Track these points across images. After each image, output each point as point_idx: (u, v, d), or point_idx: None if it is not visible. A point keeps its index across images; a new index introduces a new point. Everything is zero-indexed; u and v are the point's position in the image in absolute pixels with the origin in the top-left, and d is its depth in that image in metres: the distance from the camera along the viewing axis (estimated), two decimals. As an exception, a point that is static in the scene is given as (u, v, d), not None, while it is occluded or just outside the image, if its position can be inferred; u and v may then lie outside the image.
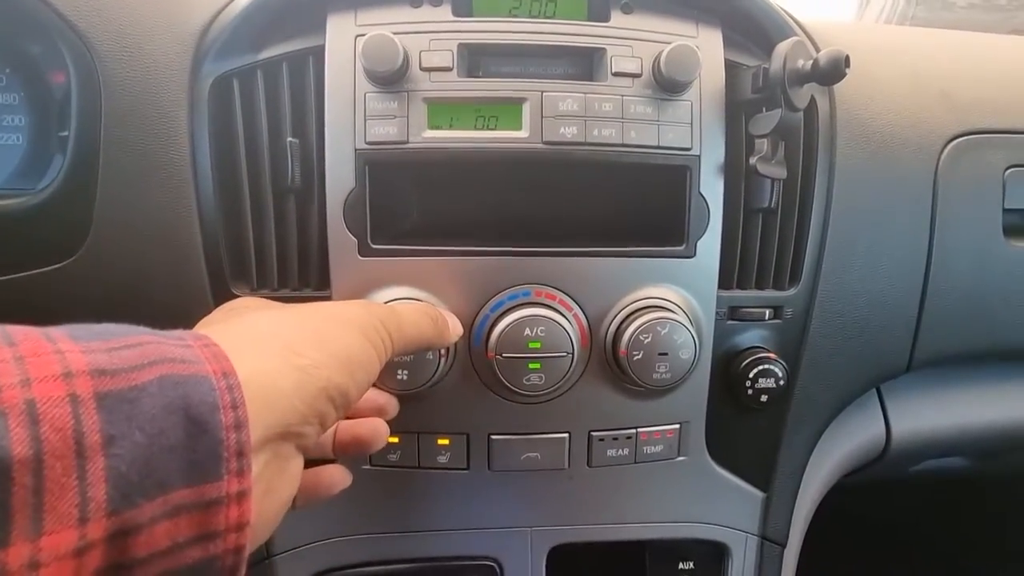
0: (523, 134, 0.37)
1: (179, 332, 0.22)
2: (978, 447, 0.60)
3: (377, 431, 0.34)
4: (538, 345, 0.37)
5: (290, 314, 0.27)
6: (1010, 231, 0.49)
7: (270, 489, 0.23)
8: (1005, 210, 0.49)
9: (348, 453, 0.34)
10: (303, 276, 0.40)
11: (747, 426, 0.45)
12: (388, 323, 0.30)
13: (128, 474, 0.18)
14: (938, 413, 0.55)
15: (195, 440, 0.19)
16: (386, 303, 0.37)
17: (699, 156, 0.39)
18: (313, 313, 0.28)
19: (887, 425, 0.54)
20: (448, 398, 0.40)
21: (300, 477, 0.26)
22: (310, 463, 0.32)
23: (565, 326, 0.37)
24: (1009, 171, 0.49)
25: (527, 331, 0.37)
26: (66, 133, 0.39)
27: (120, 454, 0.17)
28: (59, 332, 0.19)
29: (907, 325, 0.48)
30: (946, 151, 0.47)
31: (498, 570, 0.43)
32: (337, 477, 0.35)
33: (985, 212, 0.49)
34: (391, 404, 0.36)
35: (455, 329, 0.36)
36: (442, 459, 0.41)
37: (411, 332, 0.32)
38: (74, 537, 0.16)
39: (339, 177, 0.38)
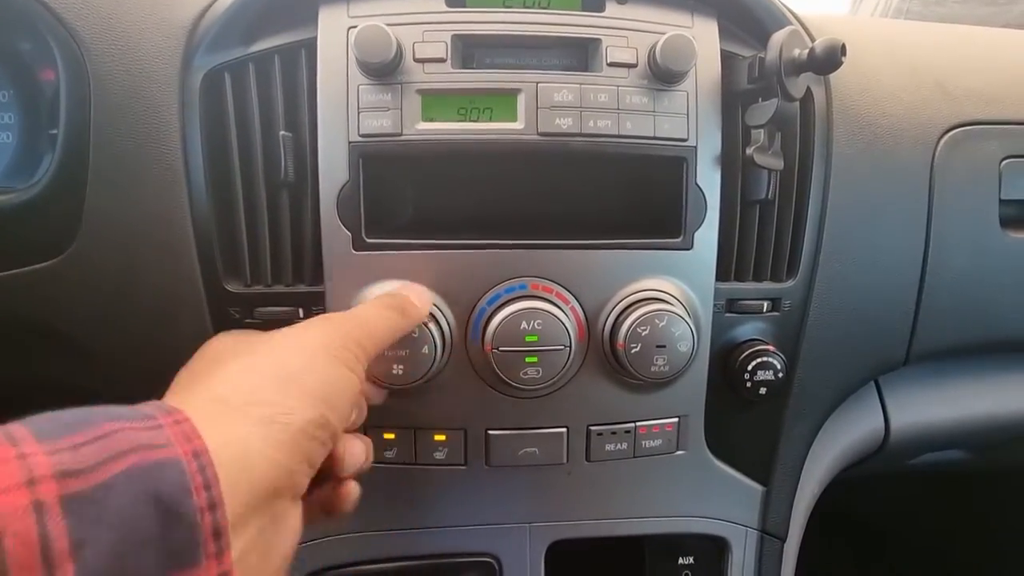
0: (518, 125, 0.37)
1: (150, 408, 0.22)
2: (976, 439, 0.60)
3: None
4: (535, 339, 0.36)
5: (256, 360, 0.27)
6: (1007, 222, 0.49)
7: (268, 549, 0.23)
8: (1001, 201, 0.49)
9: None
10: (297, 271, 0.40)
11: (746, 420, 0.45)
12: (355, 333, 0.30)
13: (101, 574, 0.17)
14: (936, 406, 0.55)
15: (169, 529, 0.19)
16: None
17: (695, 147, 0.39)
18: (278, 351, 0.27)
19: (886, 418, 0.54)
20: (445, 393, 0.39)
21: (300, 524, 0.26)
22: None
23: (562, 319, 0.37)
24: (1005, 162, 0.49)
25: (524, 324, 0.36)
26: (56, 131, 0.39)
27: (89, 556, 0.17)
28: (24, 431, 0.19)
29: (904, 317, 0.47)
30: (942, 142, 0.47)
31: (497, 567, 0.43)
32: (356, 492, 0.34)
33: (982, 203, 0.49)
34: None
35: (422, 302, 0.35)
36: (439, 455, 0.40)
37: (381, 332, 0.31)
38: None
39: (332, 170, 0.37)
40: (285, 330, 0.30)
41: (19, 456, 0.18)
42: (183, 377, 0.31)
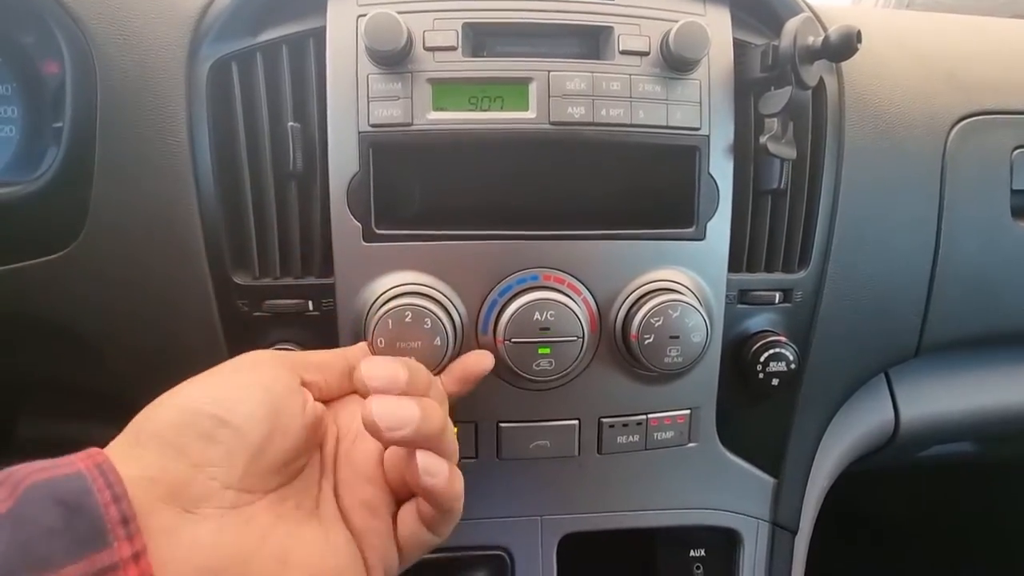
0: (530, 115, 0.37)
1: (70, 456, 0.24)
2: (987, 432, 0.60)
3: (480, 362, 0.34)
4: (547, 330, 0.36)
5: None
6: (1018, 212, 0.49)
7: (222, 527, 0.24)
8: (1013, 191, 0.48)
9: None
10: (306, 264, 0.39)
11: (757, 411, 0.45)
12: (281, 354, 0.31)
13: (8, 560, 0.19)
14: (947, 398, 0.55)
15: (74, 522, 0.21)
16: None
17: (708, 136, 0.39)
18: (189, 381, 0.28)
19: (896, 410, 0.53)
20: (456, 386, 0.39)
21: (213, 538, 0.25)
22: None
23: (575, 310, 0.36)
24: (1017, 151, 0.48)
25: (536, 315, 0.36)
26: (60, 124, 0.39)
27: None
28: None
29: (916, 308, 0.47)
30: (954, 132, 0.47)
31: (508, 560, 0.42)
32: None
33: (993, 193, 0.48)
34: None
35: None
36: (450, 448, 0.40)
37: (315, 357, 0.32)
38: None
39: (342, 161, 0.37)
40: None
41: None
42: None
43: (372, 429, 0.27)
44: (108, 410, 0.48)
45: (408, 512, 0.30)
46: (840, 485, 0.52)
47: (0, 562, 0.19)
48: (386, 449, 0.31)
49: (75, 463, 0.22)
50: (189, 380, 0.28)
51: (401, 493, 0.31)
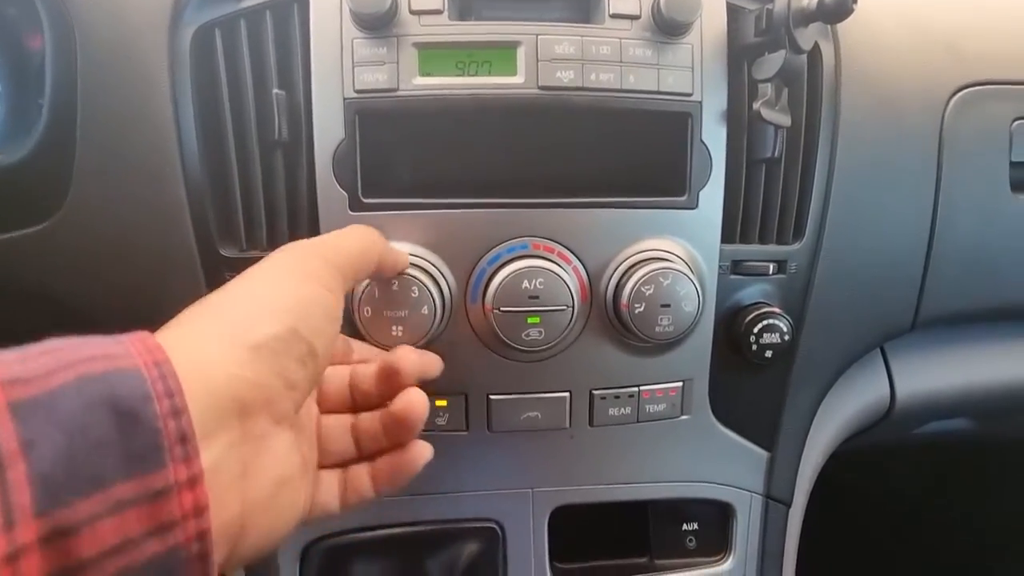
0: (518, 79, 0.36)
1: (119, 336, 0.21)
2: (983, 408, 0.59)
3: (413, 404, 0.31)
4: (536, 299, 0.36)
5: (222, 291, 0.26)
6: (1017, 185, 0.48)
7: (248, 471, 0.23)
8: (1012, 163, 0.48)
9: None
10: (293, 234, 0.39)
11: (751, 384, 0.44)
12: (324, 252, 0.29)
13: (54, 474, 0.17)
14: (943, 373, 0.54)
15: (129, 433, 0.18)
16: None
17: (701, 102, 0.38)
18: (244, 279, 0.27)
19: (891, 385, 0.53)
20: (445, 358, 0.39)
21: (293, 453, 0.26)
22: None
23: (564, 278, 0.36)
24: (1016, 123, 0.48)
25: (525, 284, 0.35)
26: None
27: (41, 456, 0.17)
28: None
29: (912, 281, 0.47)
30: (952, 103, 0.46)
31: (500, 532, 0.42)
32: (424, 451, 0.33)
33: (992, 165, 0.48)
34: (431, 363, 0.35)
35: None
36: (440, 421, 0.40)
37: (352, 251, 0.30)
38: (3, 543, 0.16)
39: (327, 128, 0.36)
40: (255, 267, 0.28)
41: None
42: None
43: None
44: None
45: (360, 469, 0.32)
46: (837, 462, 0.52)
47: (47, 469, 0.17)
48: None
49: (131, 354, 0.20)
50: (259, 274, 0.27)
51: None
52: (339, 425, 0.32)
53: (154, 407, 0.19)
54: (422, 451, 0.33)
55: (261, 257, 0.38)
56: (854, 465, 0.69)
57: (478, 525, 0.42)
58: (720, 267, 0.41)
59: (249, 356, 0.23)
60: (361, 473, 0.32)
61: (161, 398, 0.19)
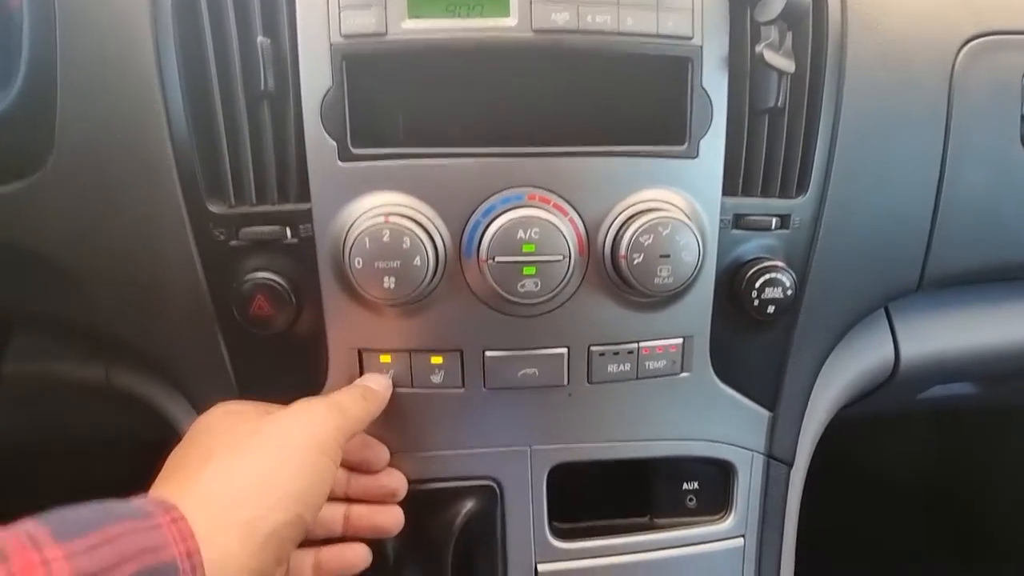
0: (510, 22, 0.35)
1: (149, 506, 0.26)
2: (987, 370, 0.58)
3: (396, 518, 0.39)
4: (532, 248, 0.35)
5: (243, 461, 0.30)
6: (1027, 139, 0.46)
7: None
8: (1023, 117, 0.46)
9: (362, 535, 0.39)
10: (282, 189, 0.38)
11: (753, 342, 0.43)
12: (338, 423, 0.33)
13: None
14: (948, 334, 0.54)
15: None
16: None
17: (701, 47, 0.37)
18: (263, 452, 0.31)
19: (896, 347, 0.52)
20: (439, 313, 0.38)
21: None
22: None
23: (560, 227, 0.35)
24: (1028, 75, 0.46)
25: (521, 233, 0.35)
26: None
27: None
28: (43, 533, 0.22)
29: (918, 237, 0.46)
30: (962, 53, 0.45)
31: (498, 490, 0.42)
32: (361, 555, 0.38)
33: (1002, 119, 0.46)
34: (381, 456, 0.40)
35: (381, 387, 0.38)
36: (436, 379, 0.39)
37: (358, 418, 0.35)
38: None
39: (314, 76, 0.35)
40: (272, 423, 0.33)
41: (43, 562, 0.21)
42: (174, 464, 0.33)
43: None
44: (91, 347, 0.48)
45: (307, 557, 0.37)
46: (838, 431, 0.52)
47: None
48: None
49: (170, 544, 0.24)
50: (277, 445, 0.31)
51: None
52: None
53: None
54: (367, 556, 0.39)
55: (248, 214, 0.38)
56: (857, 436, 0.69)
57: (476, 483, 0.41)
58: (721, 221, 0.40)
59: (259, 546, 0.27)
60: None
61: None
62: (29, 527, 0.22)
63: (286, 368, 0.40)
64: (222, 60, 0.37)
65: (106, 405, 0.50)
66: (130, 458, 0.41)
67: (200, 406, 0.41)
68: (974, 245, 0.48)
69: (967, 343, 0.54)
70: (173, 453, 0.34)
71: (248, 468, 0.30)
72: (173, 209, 0.38)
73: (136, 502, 0.26)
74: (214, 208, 0.38)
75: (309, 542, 0.38)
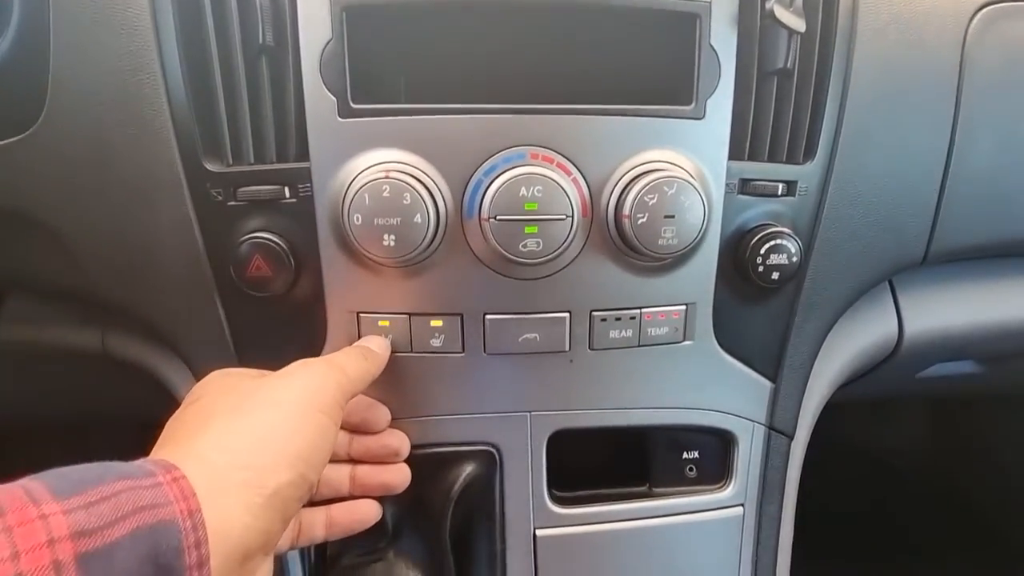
0: (515, -28, 0.34)
1: (149, 465, 0.25)
2: (990, 348, 0.58)
3: (403, 475, 0.39)
4: (534, 207, 0.34)
5: (242, 421, 0.29)
6: (1040, 110, 0.46)
7: None
8: (1036, 88, 0.45)
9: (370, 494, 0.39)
10: (281, 147, 0.37)
11: (756, 311, 0.43)
12: (338, 381, 0.33)
13: None
14: (952, 310, 0.53)
15: None
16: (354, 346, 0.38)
17: (710, 3, 0.36)
18: (262, 412, 0.30)
19: (900, 321, 0.52)
20: (440, 275, 0.37)
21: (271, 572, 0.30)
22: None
23: (563, 186, 0.34)
24: (1043, 44, 0.45)
25: (523, 191, 0.34)
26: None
27: None
28: (41, 489, 0.22)
29: (926, 208, 0.45)
30: (976, 19, 0.44)
31: (497, 456, 0.41)
32: (372, 510, 0.38)
33: (1015, 89, 0.45)
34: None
35: (381, 348, 0.38)
36: (435, 342, 0.39)
37: (358, 378, 0.34)
38: None
39: (314, 29, 0.34)
40: (271, 382, 0.32)
41: (40, 516, 0.21)
42: (173, 427, 0.32)
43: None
44: (86, 313, 0.48)
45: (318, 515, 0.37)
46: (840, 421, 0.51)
47: None
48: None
49: (171, 502, 0.24)
50: (279, 404, 0.30)
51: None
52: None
53: (185, 559, 0.23)
54: (376, 511, 0.39)
55: (246, 172, 0.37)
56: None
57: (475, 448, 0.41)
58: (727, 185, 0.39)
59: (262, 505, 0.27)
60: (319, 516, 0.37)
61: (191, 549, 0.23)
62: (27, 483, 0.22)
63: (284, 332, 0.40)
64: (219, 12, 0.36)
65: (103, 376, 0.50)
66: (130, 437, 0.40)
67: (198, 372, 0.41)
68: (982, 218, 0.47)
69: (971, 319, 0.54)
70: (172, 418, 0.33)
71: (248, 428, 0.29)
72: (169, 168, 0.37)
73: (137, 462, 0.25)
74: (211, 167, 0.37)
75: (317, 503, 0.37)
